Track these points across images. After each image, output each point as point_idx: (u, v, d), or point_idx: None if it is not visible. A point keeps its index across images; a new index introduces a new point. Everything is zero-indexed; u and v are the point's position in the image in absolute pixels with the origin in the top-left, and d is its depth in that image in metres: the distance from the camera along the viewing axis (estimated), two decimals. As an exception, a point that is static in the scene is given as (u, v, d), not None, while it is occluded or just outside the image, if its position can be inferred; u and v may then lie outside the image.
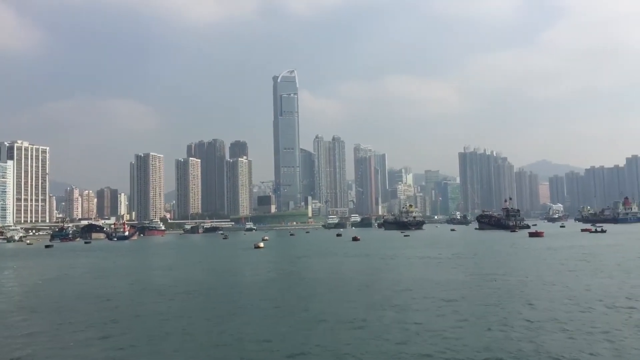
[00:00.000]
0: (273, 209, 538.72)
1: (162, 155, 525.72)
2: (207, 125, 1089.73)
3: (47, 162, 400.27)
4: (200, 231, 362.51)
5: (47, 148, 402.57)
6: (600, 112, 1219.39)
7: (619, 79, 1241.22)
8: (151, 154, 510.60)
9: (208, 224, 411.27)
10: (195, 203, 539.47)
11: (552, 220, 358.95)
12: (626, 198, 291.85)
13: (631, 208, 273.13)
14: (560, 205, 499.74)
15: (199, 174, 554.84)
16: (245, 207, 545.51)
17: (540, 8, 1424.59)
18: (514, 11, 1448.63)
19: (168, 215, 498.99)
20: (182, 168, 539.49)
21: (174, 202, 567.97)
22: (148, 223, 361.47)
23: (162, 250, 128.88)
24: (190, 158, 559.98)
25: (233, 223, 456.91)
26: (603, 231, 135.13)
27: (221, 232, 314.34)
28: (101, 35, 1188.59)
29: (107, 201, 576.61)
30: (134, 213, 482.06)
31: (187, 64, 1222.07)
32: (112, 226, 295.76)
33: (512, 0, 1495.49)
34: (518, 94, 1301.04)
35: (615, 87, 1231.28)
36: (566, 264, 53.93)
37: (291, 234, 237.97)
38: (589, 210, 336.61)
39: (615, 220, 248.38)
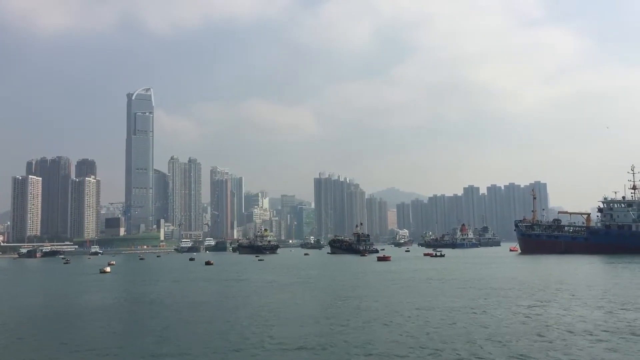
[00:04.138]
0: (122, 231, 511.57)
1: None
2: (52, 141, 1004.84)
3: None
4: (38, 255, 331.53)
5: None
6: (442, 144, 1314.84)
7: (460, 113, 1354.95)
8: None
9: (48, 247, 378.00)
10: (34, 225, 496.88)
11: (398, 245, 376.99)
12: (463, 225, 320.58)
13: (467, 234, 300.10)
14: (406, 230, 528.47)
15: (40, 193, 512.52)
16: (91, 230, 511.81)
17: (394, 44, 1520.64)
18: (369, 45, 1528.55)
19: (1, 238, 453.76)
20: (19, 186, 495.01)
21: (9, 223, 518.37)
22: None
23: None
24: (30, 176, 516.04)
25: (77, 246, 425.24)
26: (442, 255, 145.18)
27: (62, 256, 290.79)
28: None
29: None
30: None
31: (31, 75, 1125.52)
32: None
33: (369, 34, 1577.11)
34: (371, 123, 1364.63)
35: (456, 120, 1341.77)
36: (398, 285, 57.23)
37: (141, 258, 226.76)
38: (431, 235, 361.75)
39: (453, 245, 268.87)
